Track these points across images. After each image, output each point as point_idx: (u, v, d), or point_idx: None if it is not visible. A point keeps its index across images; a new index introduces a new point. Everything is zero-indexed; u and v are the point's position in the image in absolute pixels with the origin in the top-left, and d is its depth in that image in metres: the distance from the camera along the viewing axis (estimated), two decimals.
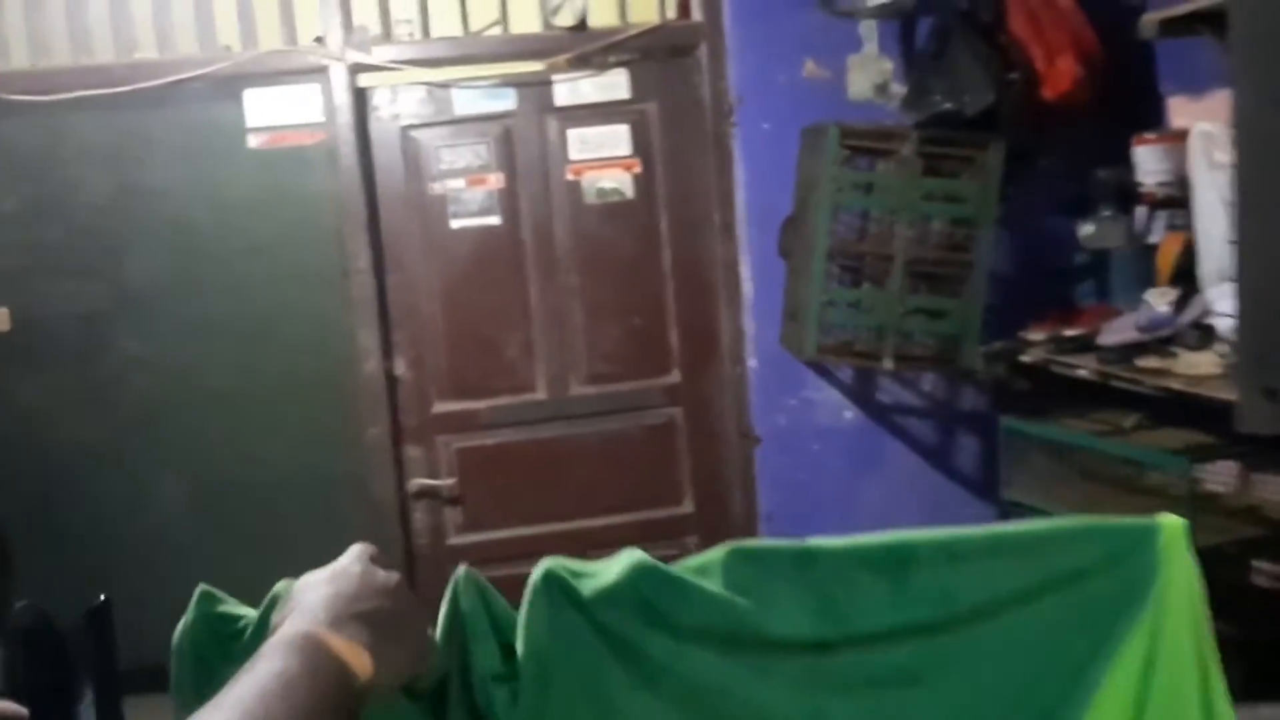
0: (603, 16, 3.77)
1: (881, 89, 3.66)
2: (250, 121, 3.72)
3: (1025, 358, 3.36)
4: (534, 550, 3.82)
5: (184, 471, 3.79)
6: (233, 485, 3.80)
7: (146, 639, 3.71)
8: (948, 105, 3.34)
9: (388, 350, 3.84)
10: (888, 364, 3.36)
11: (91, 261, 3.73)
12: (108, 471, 3.76)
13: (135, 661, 3.75)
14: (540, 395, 3.91)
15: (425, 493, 3.91)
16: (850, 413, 3.78)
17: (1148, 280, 3.27)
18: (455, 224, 3.84)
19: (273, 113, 3.72)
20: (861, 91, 3.67)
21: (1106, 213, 3.45)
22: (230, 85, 3.68)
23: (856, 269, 3.47)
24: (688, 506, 3.96)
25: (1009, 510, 3.37)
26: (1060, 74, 3.29)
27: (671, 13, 3.80)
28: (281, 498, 3.81)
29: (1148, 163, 3.26)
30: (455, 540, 3.95)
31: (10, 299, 3.69)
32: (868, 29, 3.66)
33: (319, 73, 3.70)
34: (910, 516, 3.78)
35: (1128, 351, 2.97)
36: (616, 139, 3.84)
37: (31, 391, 3.74)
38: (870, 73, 3.67)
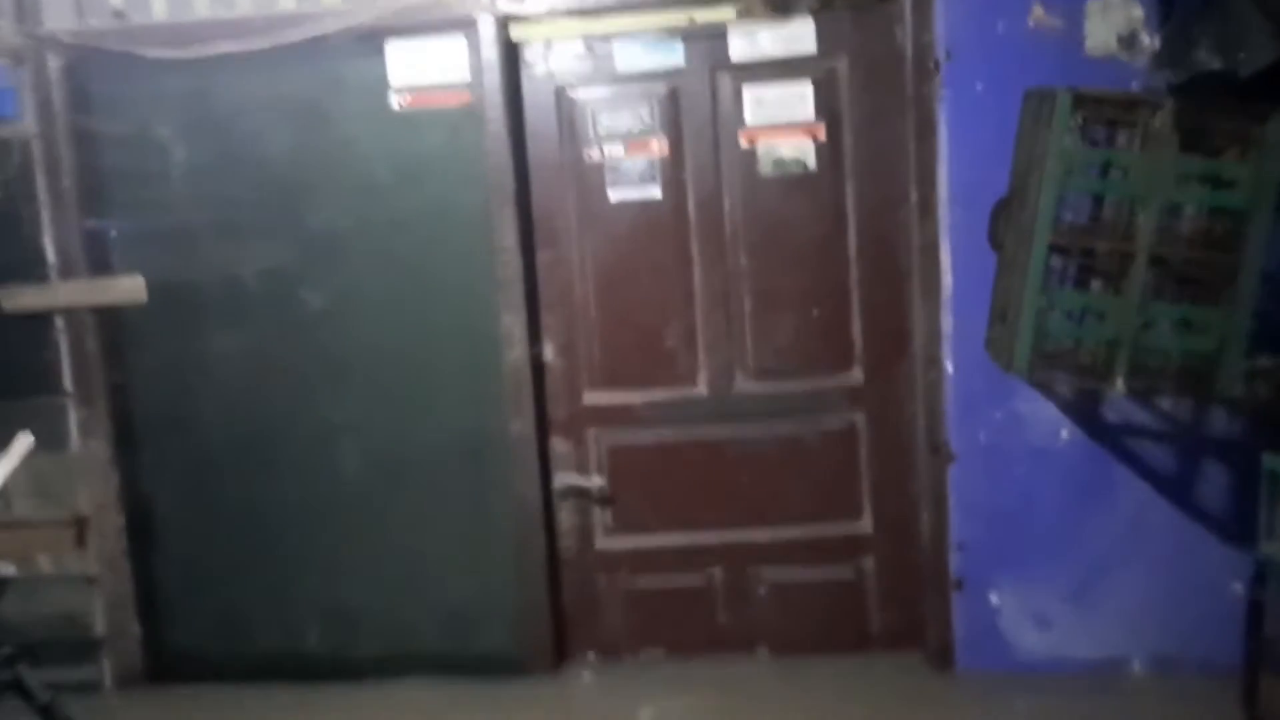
0: None
1: (1128, 42, 3.00)
2: (394, 80, 3.38)
3: None
4: (690, 561, 3.45)
5: (323, 455, 3.56)
6: (374, 468, 3.55)
7: (288, 624, 3.60)
8: (1216, 64, 2.68)
9: (536, 335, 3.47)
10: (1120, 386, 2.75)
11: (224, 233, 3.51)
12: (250, 448, 3.59)
13: (280, 645, 3.67)
14: (702, 391, 3.47)
15: (572, 491, 3.55)
16: (1068, 432, 3.18)
17: None
18: (613, 196, 3.41)
19: (417, 71, 3.36)
20: (1102, 45, 3.01)
21: None
22: (372, 38, 3.34)
23: (1085, 266, 2.85)
24: (865, 525, 3.46)
25: (1265, 570, 2.74)
26: None
27: None
28: (422, 489, 3.53)
29: None
30: (604, 544, 3.58)
31: (154, 264, 3.53)
32: None
33: (467, 26, 3.31)
34: (1137, 562, 3.18)
35: None
36: (799, 101, 3.31)
37: (180, 359, 3.58)
38: (1114, 21, 3.01)
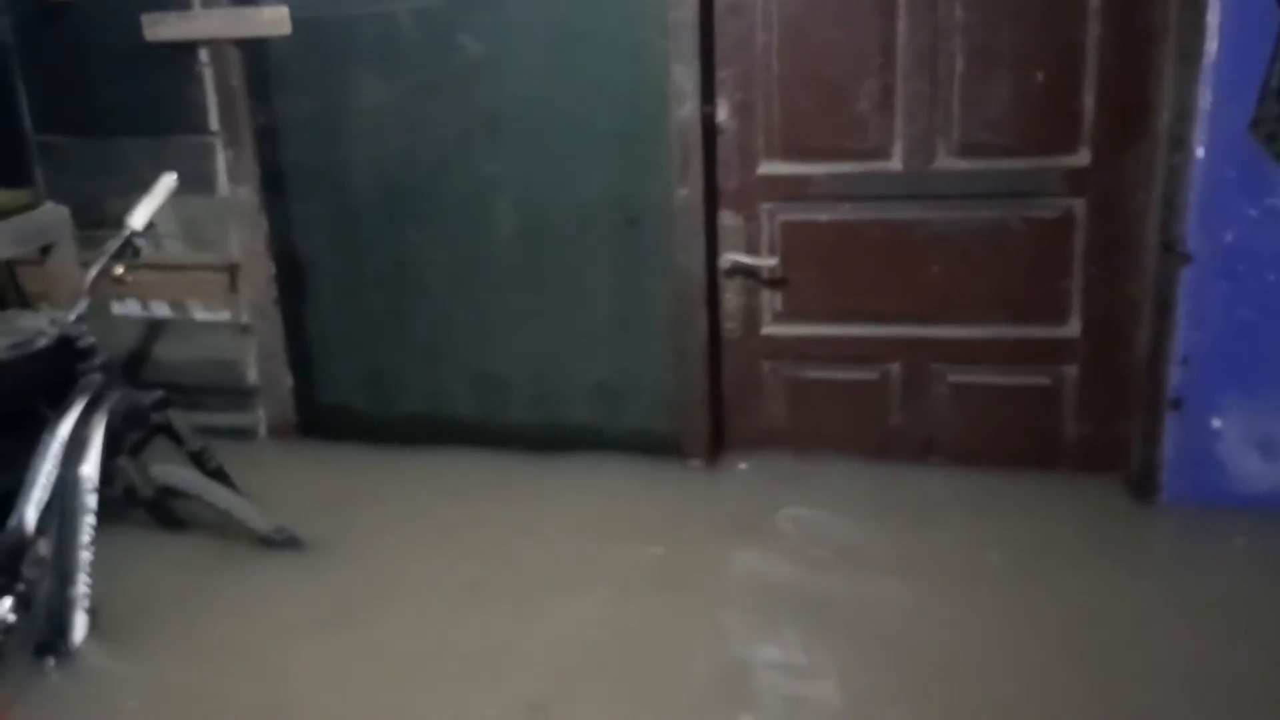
0: None
1: None
2: None
3: None
4: (866, 355, 3.09)
5: (473, 213, 3.32)
6: (526, 230, 3.30)
7: (435, 385, 3.47)
8: None
9: (709, 92, 3.07)
10: None
11: None
12: (399, 203, 3.38)
13: (427, 406, 3.58)
14: (895, 165, 3.03)
15: (740, 270, 3.22)
16: None
17: None
18: None
19: None
20: None
21: None
22: None
23: None
24: (1072, 329, 3.03)
25: None
26: None
27: None
28: (575, 255, 3.28)
29: None
30: (771, 330, 3.27)
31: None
32: None
33: None
34: None
35: None
36: None
37: (328, 104, 3.34)
38: None
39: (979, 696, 2.21)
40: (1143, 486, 2.96)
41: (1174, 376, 2.85)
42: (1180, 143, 2.72)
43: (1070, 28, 2.83)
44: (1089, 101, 2.87)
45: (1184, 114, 2.69)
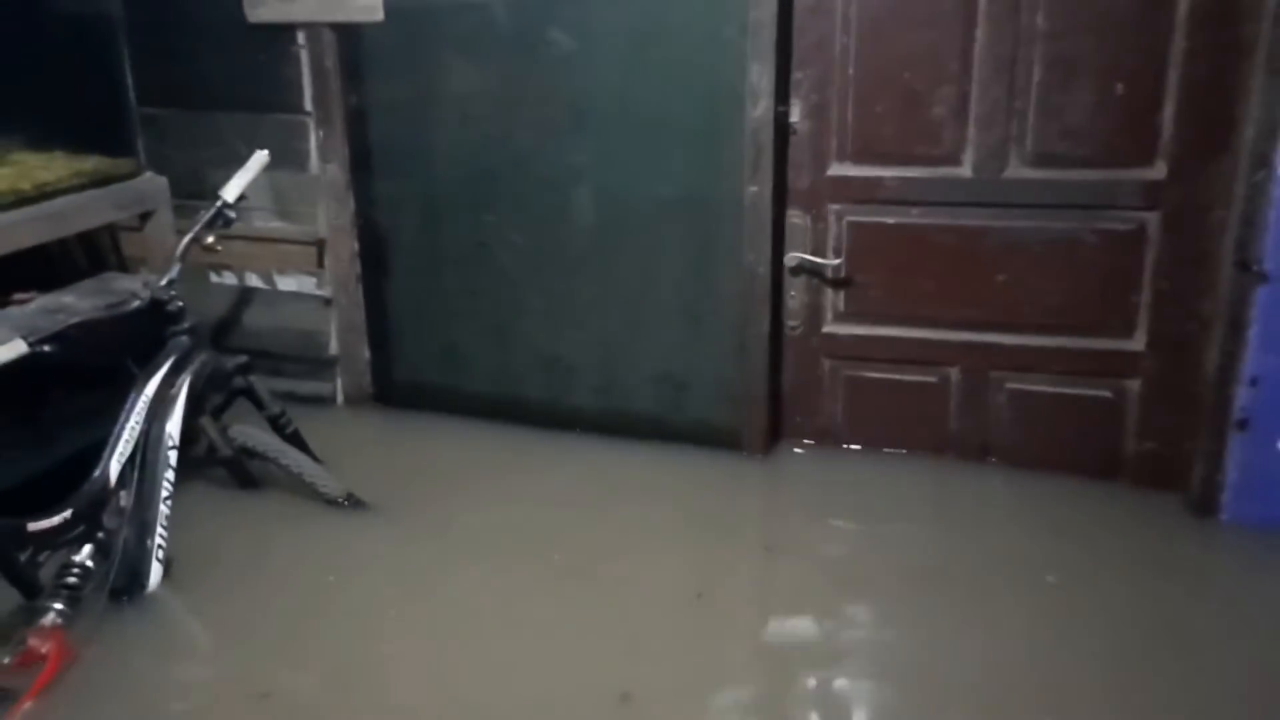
0: None
1: None
2: None
3: None
4: (926, 358, 3.09)
5: (550, 202, 3.39)
6: (601, 221, 3.36)
7: (505, 366, 3.57)
8: None
9: (784, 92, 3.10)
10: None
11: None
12: (480, 187, 3.47)
13: (497, 385, 3.67)
14: (966, 171, 3.02)
15: (806, 269, 3.25)
16: None
17: None
18: None
19: None
20: None
21: None
22: None
23: None
24: (1137, 343, 2.99)
25: None
26: None
27: None
28: (647, 247, 3.32)
29: None
30: (832, 329, 3.29)
31: None
32: None
33: None
34: None
35: None
36: None
37: (417, 89, 3.44)
38: None
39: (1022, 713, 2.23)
40: (1203, 506, 2.91)
41: (1241, 397, 2.80)
42: (1263, 159, 2.66)
43: (1155, 37, 2.78)
44: (1170, 114, 2.82)
45: (1270, 130, 2.64)
